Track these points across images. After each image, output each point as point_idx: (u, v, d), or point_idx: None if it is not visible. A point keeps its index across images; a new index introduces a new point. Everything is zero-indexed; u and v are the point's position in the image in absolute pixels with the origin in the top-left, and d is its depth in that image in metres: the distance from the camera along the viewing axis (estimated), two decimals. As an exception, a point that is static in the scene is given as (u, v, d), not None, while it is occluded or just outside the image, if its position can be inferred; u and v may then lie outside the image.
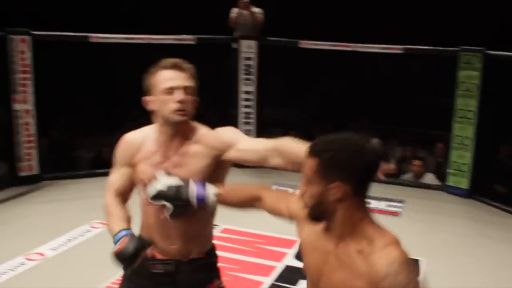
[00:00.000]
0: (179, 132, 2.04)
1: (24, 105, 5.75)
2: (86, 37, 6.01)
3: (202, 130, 2.08)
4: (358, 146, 1.48)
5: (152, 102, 2.03)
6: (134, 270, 1.93)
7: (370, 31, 7.21)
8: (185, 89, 1.98)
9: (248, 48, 6.39)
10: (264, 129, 7.23)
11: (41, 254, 4.38)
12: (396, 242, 1.48)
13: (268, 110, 9.48)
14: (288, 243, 4.51)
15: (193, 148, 2.04)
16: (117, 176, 2.14)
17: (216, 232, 4.61)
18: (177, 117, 1.97)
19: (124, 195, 2.13)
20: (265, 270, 4.09)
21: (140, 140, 2.11)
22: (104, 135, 6.83)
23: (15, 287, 3.91)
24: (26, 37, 5.67)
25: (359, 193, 1.50)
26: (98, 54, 5.79)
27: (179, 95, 1.95)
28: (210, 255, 2.19)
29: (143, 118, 2.36)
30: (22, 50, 5.65)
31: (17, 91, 5.70)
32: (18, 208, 5.47)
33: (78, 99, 8.24)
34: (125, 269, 1.88)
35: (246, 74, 6.44)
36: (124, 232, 1.92)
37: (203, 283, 2.14)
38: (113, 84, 8.14)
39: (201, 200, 1.92)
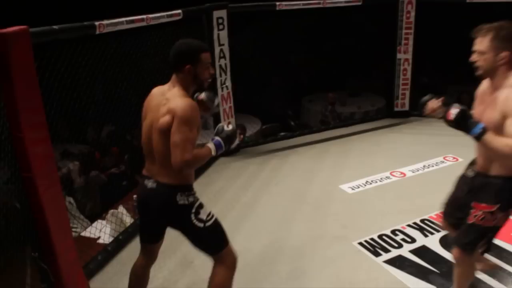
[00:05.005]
0: (492, 82, 2.05)
1: (405, 55, 5.89)
2: None
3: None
4: None
5: None
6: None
7: None
8: (476, 51, 2.04)
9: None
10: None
11: (402, 173, 4.54)
12: None
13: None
14: None
15: (500, 94, 1.97)
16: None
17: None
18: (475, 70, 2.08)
19: None
20: None
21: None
22: (464, 83, 6.36)
23: (379, 194, 4.16)
24: (413, 0, 5.68)
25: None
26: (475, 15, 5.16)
27: (472, 56, 2.05)
28: (496, 178, 2.14)
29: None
30: (408, 10, 5.73)
31: (401, 44, 5.85)
32: (390, 135, 5.73)
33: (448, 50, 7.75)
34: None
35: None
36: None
37: (477, 197, 2.19)
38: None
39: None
